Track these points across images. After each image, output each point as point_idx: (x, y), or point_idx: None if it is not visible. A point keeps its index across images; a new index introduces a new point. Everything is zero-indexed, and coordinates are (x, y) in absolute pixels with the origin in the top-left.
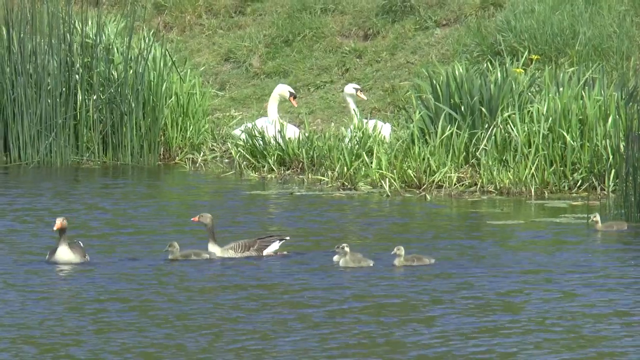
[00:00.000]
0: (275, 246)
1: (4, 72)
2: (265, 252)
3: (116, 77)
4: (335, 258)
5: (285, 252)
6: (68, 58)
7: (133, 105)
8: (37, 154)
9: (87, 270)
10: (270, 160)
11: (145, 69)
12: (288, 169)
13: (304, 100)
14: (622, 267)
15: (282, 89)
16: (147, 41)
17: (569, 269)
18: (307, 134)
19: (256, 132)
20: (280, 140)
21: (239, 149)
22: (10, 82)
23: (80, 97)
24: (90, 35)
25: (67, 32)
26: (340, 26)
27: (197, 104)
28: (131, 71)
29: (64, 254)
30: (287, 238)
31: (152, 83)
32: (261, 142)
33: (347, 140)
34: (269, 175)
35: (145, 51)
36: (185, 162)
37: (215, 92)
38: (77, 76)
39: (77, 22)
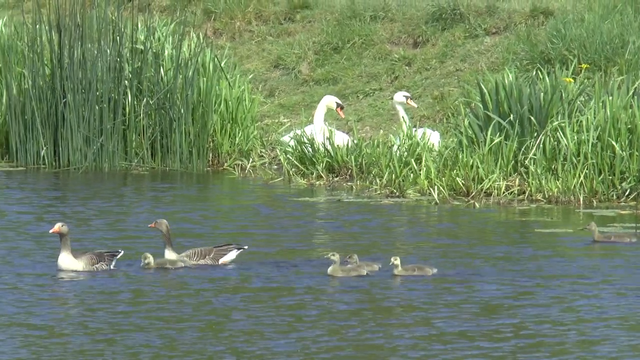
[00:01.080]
0: (232, 255)
1: (55, 77)
2: (221, 261)
3: (165, 82)
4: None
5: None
6: (117, 63)
7: (182, 111)
8: (85, 159)
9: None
10: (318, 167)
11: (195, 75)
12: (336, 176)
13: (352, 108)
14: None
15: (329, 100)
16: (196, 47)
17: (617, 276)
18: (355, 141)
19: (305, 139)
20: (329, 147)
21: (287, 155)
22: (61, 88)
23: (130, 103)
24: (140, 41)
25: (117, 38)
26: (390, 33)
27: (246, 111)
28: (181, 77)
29: (62, 261)
30: (246, 247)
31: (201, 89)
32: (310, 149)
33: (395, 147)
34: (317, 182)
35: (195, 57)
36: (233, 168)
37: (264, 98)
38: (126, 81)
39: (126, 28)
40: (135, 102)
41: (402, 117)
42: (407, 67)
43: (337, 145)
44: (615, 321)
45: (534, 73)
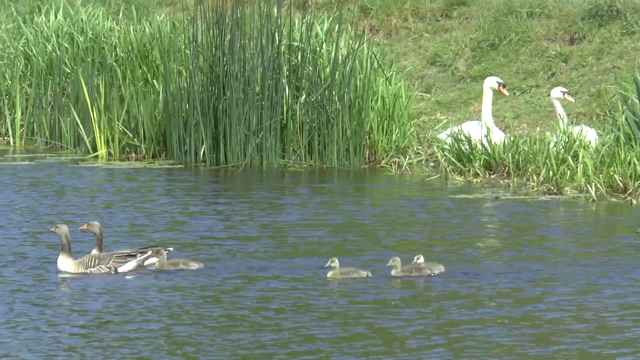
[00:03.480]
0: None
1: (214, 75)
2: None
3: (323, 80)
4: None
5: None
6: (275, 61)
7: (339, 108)
8: (244, 157)
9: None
10: (475, 164)
11: (352, 72)
12: (493, 173)
13: (509, 105)
14: None
15: (490, 82)
16: (354, 44)
17: None
18: (512, 138)
19: (462, 136)
20: (487, 144)
21: (444, 152)
22: (220, 85)
23: (287, 100)
24: (297, 38)
25: (275, 35)
26: (547, 30)
27: (403, 107)
28: (338, 74)
29: (59, 262)
30: (170, 249)
31: (358, 86)
32: (467, 146)
33: (552, 144)
34: (474, 179)
35: (352, 54)
36: (390, 165)
37: (421, 95)
38: (284, 79)
39: (284, 25)
40: (292, 100)
41: (560, 113)
42: (563, 64)
43: (494, 143)
44: None
45: None
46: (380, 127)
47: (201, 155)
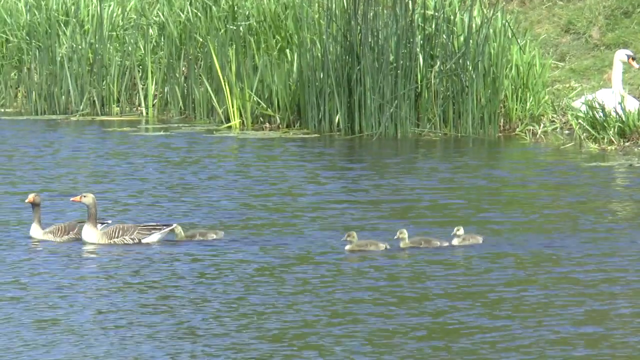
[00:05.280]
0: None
1: (348, 44)
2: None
3: (457, 48)
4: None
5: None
6: (409, 29)
7: (474, 76)
8: (378, 126)
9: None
10: (610, 131)
11: (486, 41)
12: (628, 141)
13: None
14: None
15: (620, 55)
16: (487, 13)
17: None
18: None
19: (596, 104)
20: (621, 112)
21: (579, 120)
22: (355, 55)
23: (421, 69)
24: (431, 6)
25: (409, 3)
26: None
27: (537, 76)
28: (472, 42)
29: (84, 232)
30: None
31: (492, 54)
32: (601, 114)
33: None
34: (608, 147)
35: (487, 22)
36: (525, 133)
37: (555, 63)
38: (417, 48)
39: None
40: (426, 68)
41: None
42: None
43: (629, 110)
44: None
45: None
46: (515, 95)
47: (335, 125)
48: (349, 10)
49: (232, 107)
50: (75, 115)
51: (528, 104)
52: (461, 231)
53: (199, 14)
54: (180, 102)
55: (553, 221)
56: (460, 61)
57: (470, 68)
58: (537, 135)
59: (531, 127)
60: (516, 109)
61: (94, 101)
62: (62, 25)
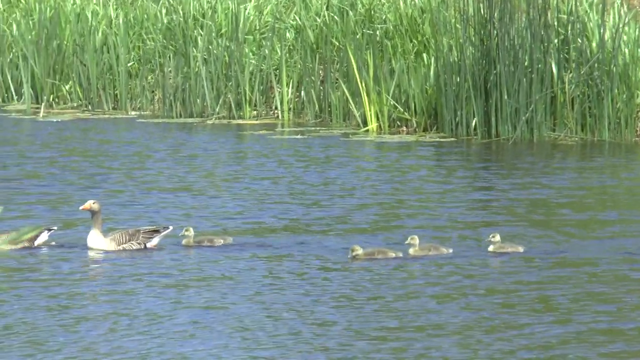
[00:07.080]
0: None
1: (485, 48)
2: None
3: (592, 52)
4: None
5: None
6: (545, 33)
7: (609, 81)
8: (514, 130)
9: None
10: None
11: (620, 45)
12: None
13: None
14: None
15: None
16: (621, 19)
17: None
18: None
19: None
20: None
21: None
22: (492, 59)
23: (556, 73)
24: (566, 11)
25: (544, 8)
26: None
27: None
28: (607, 47)
29: (90, 238)
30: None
31: (627, 58)
32: None
33: None
34: None
35: (620, 27)
36: None
37: None
38: (552, 52)
39: None
40: (561, 72)
41: None
42: None
43: None
44: None
45: None
46: None
47: (472, 129)
48: (485, 15)
49: (370, 110)
50: (211, 119)
51: None
52: (497, 238)
53: (335, 17)
54: (316, 106)
55: None
56: (595, 65)
57: (606, 72)
58: None
59: None
60: None
61: (229, 104)
62: (199, 28)
